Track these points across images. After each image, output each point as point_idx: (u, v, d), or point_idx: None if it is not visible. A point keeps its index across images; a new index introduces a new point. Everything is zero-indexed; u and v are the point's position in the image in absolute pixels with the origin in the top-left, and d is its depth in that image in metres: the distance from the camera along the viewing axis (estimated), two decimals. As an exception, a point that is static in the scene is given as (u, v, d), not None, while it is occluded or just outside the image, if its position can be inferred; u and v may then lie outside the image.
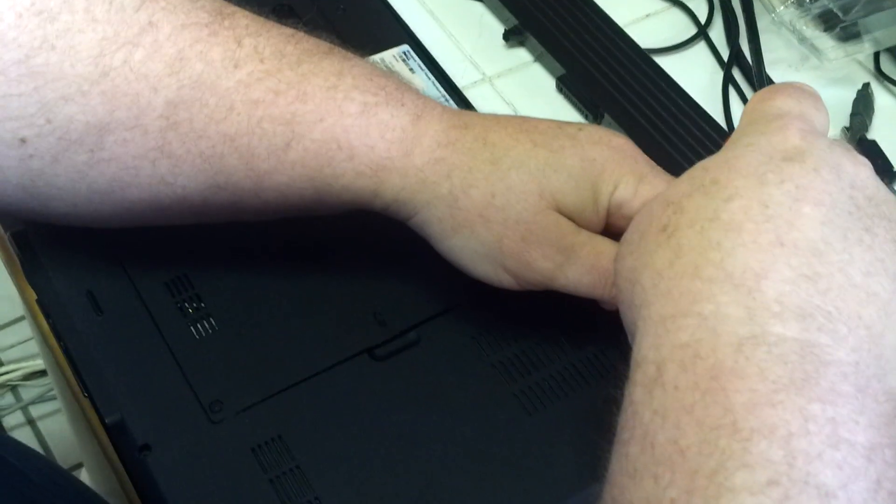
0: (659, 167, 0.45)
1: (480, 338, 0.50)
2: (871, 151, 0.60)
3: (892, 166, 0.59)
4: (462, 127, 0.45)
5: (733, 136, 0.39)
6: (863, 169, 0.36)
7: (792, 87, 0.39)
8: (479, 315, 0.50)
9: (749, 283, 0.32)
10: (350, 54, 0.47)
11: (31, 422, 1.25)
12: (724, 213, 0.34)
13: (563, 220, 0.44)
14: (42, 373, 1.26)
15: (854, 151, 0.37)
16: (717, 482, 0.29)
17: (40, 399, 1.24)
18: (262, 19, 0.46)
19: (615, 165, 0.44)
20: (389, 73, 0.47)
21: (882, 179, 0.58)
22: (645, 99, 0.60)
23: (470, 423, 0.47)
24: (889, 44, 0.62)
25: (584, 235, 0.44)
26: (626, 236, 0.39)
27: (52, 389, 1.21)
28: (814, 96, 0.39)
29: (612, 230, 0.45)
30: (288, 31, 0.46)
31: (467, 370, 0.49)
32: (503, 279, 0.45)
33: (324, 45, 0.46)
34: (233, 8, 0.46)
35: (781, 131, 0.36)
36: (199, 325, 0.50)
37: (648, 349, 0.34)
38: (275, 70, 0.44)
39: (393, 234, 0.49)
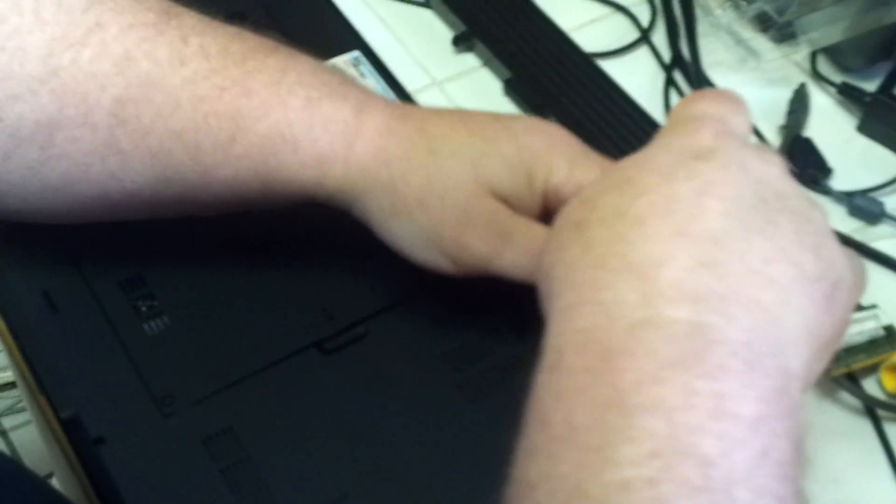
0: (593, 152, 0.47)
1: (426, 330, 0.51)
2: (806, 149, 0.62)
3: (825, 163, 0.62)
4: (402, 118, 0.47)
5: (654, 138, 0.41)
6: (773, 168, 0.37)
7: (714, 92, 0.41)
8: (425, 308, 0.52)
9: (647, 271, 0.34)
10: (295, 52, 0.48)
11: (2, 433, 1.26)
12: (631, 208, 0.35)
13: (499, 206, 0.45)
14: (12, 384, 1.26)
15: (769, 152, 0.38)
16: (603, 456, 0.31)
17: (10, 410, 1.25)
18: (208, 19, 0.47)
19: (548, 152, 0.45)
20: (333, 70, 0.49)
21: (816, 175, 0.61)
22: (589, 101, 0.62)
23: (415, 412, 0.49)
24: (824, 43, 0.64)
25: (520, 221, 0.45)
26: (551, 233, 0.40)
27: (21, 401, 1.21)
28: (733, 100, 0.41)
29: (551, 215, 0.45)
30: (234, 30, 0.47)
31: (413, 362, 0.50)
32: (442, 263, 0.46)
33: (269, 44, 0.48)
34: (180, 9, 0.47)
35: (695, 132, 0.38)
36: (152, 323, 0.51)
37: (552, 337, 0.35)
38: (220, 67, 0.45)
39: (341, 230, 0.51)
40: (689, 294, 0.33)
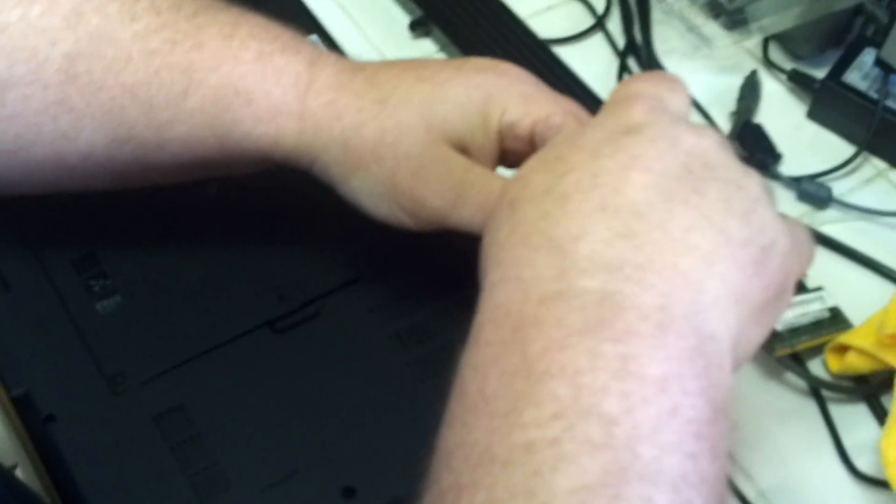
0: (547, 87, 0.46)
1: (378, 310, 0.52)
2: (756, 134, 0.63)
3: (774, 147, 0.62)
4: (352, 70, 0.47)
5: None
6: (705, 140, 0.37)
7: (651, 74, 0.42)
8: (377, 288, 0.52)
9: (566, 246, 0.34)
10: (247, 11, 0.48)
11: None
12: (558, 186, 0.36)
13: (454, 155, 0.45)
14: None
15: (704, 128, 0.39)
16: (510, 420, 0.32)
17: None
18: None
19: (501, 89, 0.45)
20: (285, 27, 0.49)
21: (765, 160, 0.62)
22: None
23: (366, 391, 0.49)
24: (775, 30, 0.65)
25: (476, 173, 0.45)
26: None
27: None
28: (670, 80, 0.41)
29: (509, 155, 0.46)
30: None
31: (365, 341, 0.51)
32: (401, 218, 0.46)
33: (221, 3, 0.48)
34: None
35: (627, 109, 0.38)
36: (104, 301, 0.51)
37: (477, 314, 0.36)
38: (171, 22, 0.46)
39: (294, 211, 0.51)
40: (603, 265, 0.34)
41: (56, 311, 0.51)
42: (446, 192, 0.45)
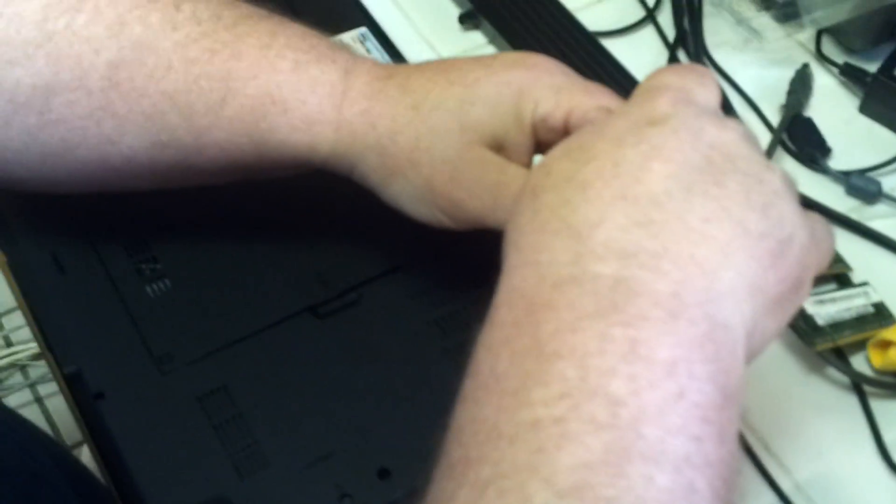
0: (579, 76, 0.47)
1: (417, 298, 0.53)
2: (806, 128, 0.62)
3: (824, 142, 0.62)
4: (386, 77, 0.48)
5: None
6: (729, 133, 0.38)
7: (681, 66, 0.42)
8: (416, 276, 0.53)
9: (583, 232, 0.35)
10: (287, 20, 0.49)
11: (38, 400, 1.29)
12: (579, 173, 0.36)
13: (489, 157, 0.46)
14: (49, 353, 1.29)
15: (728, 119, 0.39)
16: (518, 398, 0.32)
17: (45, 378, 1.28)
18: None
19: (532, 83, 0.46)
20: (322, 36, 0.50)
21: (814, 154, 0.61)
22: (590, 79, 0.62)
23: (403, 376, 0.50)
24: (827, 23, 0.64)
25: (511, 174, 0.45)
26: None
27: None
28: (700, 73, 0.41)
29: (545, 147, 0.46)
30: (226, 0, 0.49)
31: (403, 328, 0.52)
32: (441, 220, 0.47)
33: (261, 11, 0.49)
34: None
35: (653, 100, 0.38)
36: (154, 285, 0.53)
37: (495, 296, 0.37)
38: (211, 31, 0.47)
39: (336, 200, 0.52)
40: (618, 251, 0.34)
41: (108, 294, 0.53)
42: (483, 194, 0.46)
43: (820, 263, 0.40)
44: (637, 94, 0.40)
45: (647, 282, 0.34)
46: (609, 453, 0.31)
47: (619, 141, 0.37)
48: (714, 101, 0.41)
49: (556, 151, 0.39)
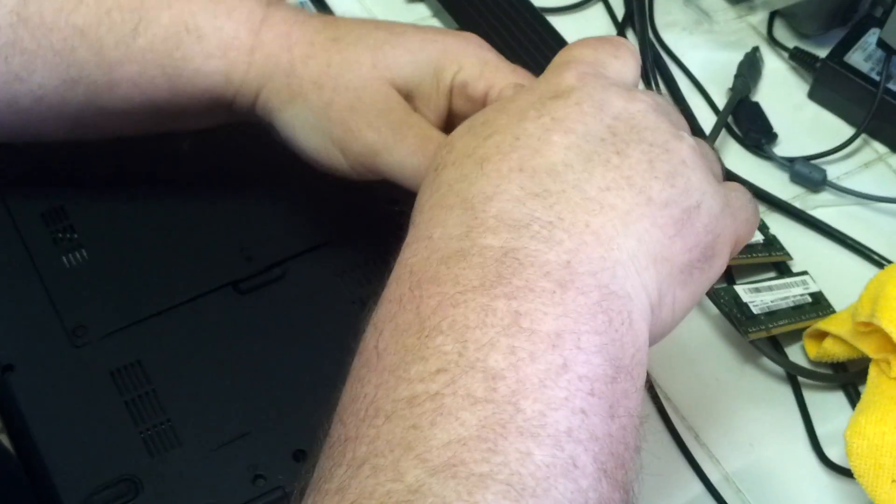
0: (506, 60, 0.46)
1: (343, 275, 0.51)
2: (752, 113, 0.61)
3: (770, 127, 0.61)
4: (310, 15, 0.48)
5: None
6: (636, 104, 0.37)
7: (596, 39, 0.41)
8: (343, 253, 0.52)
9: (477, 206, 0.34)
10: None
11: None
12: (480, 148, 0.36)
13: (395, 96, 0.45)
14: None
15: (638, 91, 0.38)
16: (397, 375, 0.31)
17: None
18: None
19: (460, 49, 0.45)
20: None
21: (759, 139, 0.60)
22: (535, 58, 0.61)
23: (326, 356, 0.48)
24: (779, 6, 0.63)
25: (415, 118, 0.45)
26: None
27: None
28: (615, 45, 0.40)
29: (456, 113, 0.46)
30: None
31: (329, 306, 0.51)
32: (332, 153, 0.46)
33: None
34: None
35: (560, 74, 0.38)
36: (71, 256, 0.51)
37: (389, 275, 0.36)
38: None
39: (265, 173, 0.51)
40: (510, 223, 0.33)
41: (22, 262, 0.51)
42: (383, 127, 0.45)
43: (737, 232, 0.39)
44: (548, 69, 0.39)
45: (537, 252, 0.33)
46: (484, 428, 0.30)
47: (522, 115, 0.36)
48: (628, 73, 0.40)
49: (460, 129, 0.38)
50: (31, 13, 0.45)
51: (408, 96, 0.46)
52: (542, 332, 0.31)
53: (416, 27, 0.47)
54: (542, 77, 0.39)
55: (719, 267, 0.38)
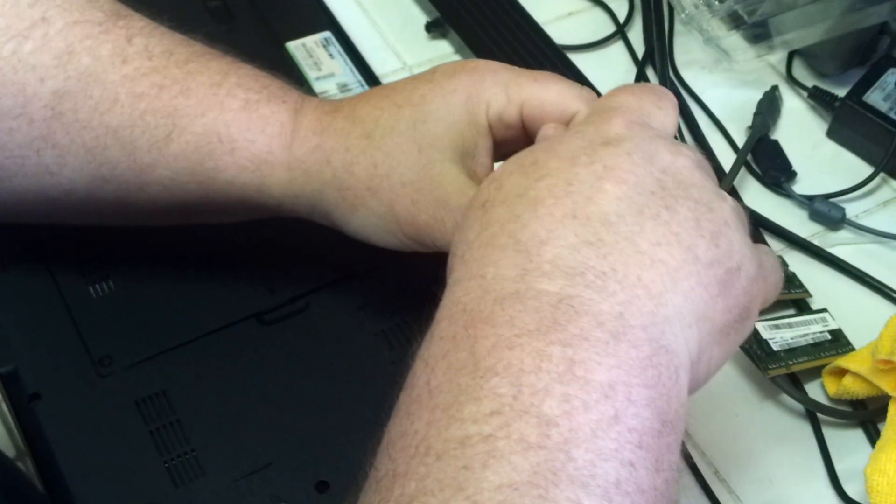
0: (522, 69, 0.46)
1: (365, 308, 0.52)
2: (771, 151, 0.62)
3: (789, 165, 0.61)
4: (332, 112, 0.47)
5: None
6: (682, 159, 0.37)
7: (637, 86, 0.42)
8: (366, 287, 0.53)
9: (531, 249, 0.34)
10: (240, 61, 0.48)
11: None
12: (531, 189, 0.36)
13: (448, 174, 0.44)
14: None
15: (682, 146, 0.38)
16: (449, 414, 0.31)
17: None
18: (157, 24, 0.48)
19: (478, 86, 0.45)
20: (274, 77, 0.49)
21: (779, 178, 0.61)
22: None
23: (347, 387, 0.49)
24: (798, 45, 0.64)
25: (473, 187, 0.44)
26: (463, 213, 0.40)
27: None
28: (657, 94, 0.41)
29: (509, 144, 0.46)
30: (181, 36, 0.48)
31: (351, 338, 0.51)
32: (411, 246, 0.46)
33: (215, 51, 0.48)
34: (130, 11, 0.48)
35: (608, 122, 0.38)
36: (97, 286, 0.52)
37: (438, 310, 0.36)
38: (161, 67, 0.46)
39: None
40: (566, 269, 0.34)
41: (50, 293, 0.51)
42: (445, 216, 0.44)
43: (767, 295, 0.39)
44: (593, 113, 0.40)
45: (591, 301, 0.33)
46: (536, 475, 0.30)
47: (573, 159, 0.36)
48: (670, 124, 0.40)
49: (508, 166, 0.38)
50: (66, 109, 0.45)
51: (461, 156, 0.45)
52: (595, 381, 0.32)
53: (426, 81, 0.46)
54: (588, 120, 0.39)
55: (749, 328, 0.38)
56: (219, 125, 0.46)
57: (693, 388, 0.37)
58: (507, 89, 0.45)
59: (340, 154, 0.46)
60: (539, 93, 0.44)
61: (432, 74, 0.46)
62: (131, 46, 0.46)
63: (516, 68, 0.46)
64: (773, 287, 0.40)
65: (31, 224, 0.52)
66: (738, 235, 0.37)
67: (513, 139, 0.45)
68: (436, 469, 0.31)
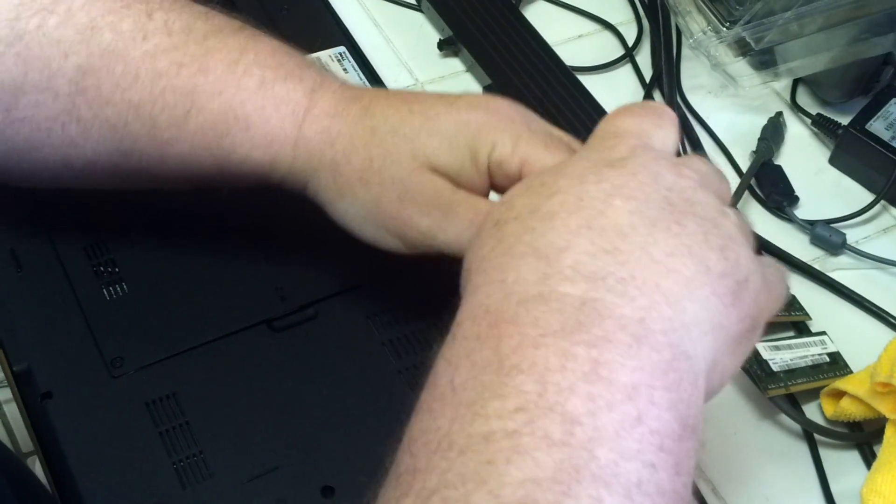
0: (541, 122, 0.47)
1: (374, 317, 0.53)
2: (775, 176, 0.63)
3: (792, 190, 0.63)
4: (351, 100, 0.48)
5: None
6: (685, 180, 0.38)
7: (638, 106, 0.42)
8: (376, 296, 0.53)
9: (551, 255, 0.35)
10: (260, 33, 0.49)
11: (-6, 405, 1.28)
12: (544, 205, 0.37)
13: (439, 180, 0.46)
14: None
15: (684, 165, 0.39)
16: (473, 410, 0.32)
17: (2, 383, 1.26)
18: None
19: (491, 127, 0.45)
20: (294, 52, 0.50)
21: (781, 202, 0.62)
22: (564, 113, 0.63)
23: (355, 394, 0.50)
24: (803, 73, 0.65)
25: (462, 194, 0.45)
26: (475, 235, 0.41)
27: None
28: (658, 114, 0.42)
29: (498, 186, 0.46)
30: (202, 9, 0.49)
31: (359, 346, 0.52)
32: (389, 241, 0.47)
33: (235, 24, 0.49)
34: None
35: (612, 148, 0.39)
36: (111, 288, 0.53)
37: (458, 314, 0.36)
38: (181, 44, 0.47)
39: (299, 215, 0.52)
40: (587, 274, 0.34)
41: (64, 293, 0.52)
42: (432, 210, 0.45)
43: (772, 307, 0.40)
44: (595, 138, 0.41)
45: (614, 305, 0.34)
46: (559, 471, 0.30)
47: (582, 177, 0.37)
48: (671, 143, 0.41)
49: (518, 188, 0.39)
50: (89, 85, 0.46)
51: (448, 178, 0.46)
52: (619, 382, 0.32)
53: (447, 103, 0.47)
54: (590, 145, 0.40)
55: (757, 339, 0.39)
56: (235, 103, 0.47)
57: (707, 396, 0.37)
58: (517, 141, 0.45)
59: (344, 140, 0.47)
60: (543, 158, 0.44)
61: (456, 99, 0.47)
62: (151, 22, 0.47)
63: (535, 121, 0.47)
64: (777, 298, 0.41)
65: (47, 225, 0.53)
66: (744, 249, 0.38)
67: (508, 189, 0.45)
68: (458, 463, 0.31)
